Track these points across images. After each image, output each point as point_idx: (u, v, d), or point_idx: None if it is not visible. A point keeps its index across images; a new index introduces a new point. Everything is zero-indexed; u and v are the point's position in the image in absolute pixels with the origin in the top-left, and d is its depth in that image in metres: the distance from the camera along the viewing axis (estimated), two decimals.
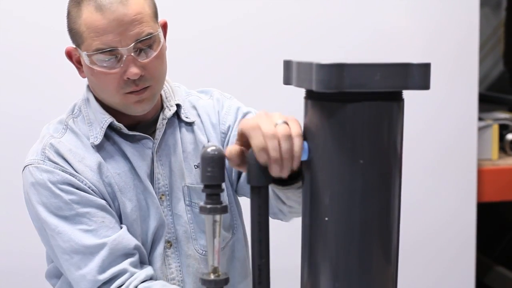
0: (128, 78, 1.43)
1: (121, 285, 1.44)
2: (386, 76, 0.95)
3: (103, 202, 1.48)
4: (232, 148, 1.05)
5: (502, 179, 2.94)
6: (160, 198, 1.55)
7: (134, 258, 1.48)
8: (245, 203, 1.65)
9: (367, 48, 2.68)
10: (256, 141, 1.01)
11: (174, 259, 1.57)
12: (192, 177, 1.58)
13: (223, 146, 1.61)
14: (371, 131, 0.97)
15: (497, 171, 2.93)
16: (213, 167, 1.02)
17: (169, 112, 1.56)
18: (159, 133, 1.54)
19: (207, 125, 1.61)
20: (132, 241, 1.48)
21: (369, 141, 0.97)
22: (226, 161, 1.05)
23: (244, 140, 1.05)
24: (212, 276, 1.05)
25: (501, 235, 3.53)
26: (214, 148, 1.02)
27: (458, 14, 2.77)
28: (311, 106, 1.02)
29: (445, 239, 2.87)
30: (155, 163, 1.53)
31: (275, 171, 1.02)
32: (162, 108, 1.57)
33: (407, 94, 1.01)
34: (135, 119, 1.54)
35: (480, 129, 2.91)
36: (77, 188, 1.46)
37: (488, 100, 3.40)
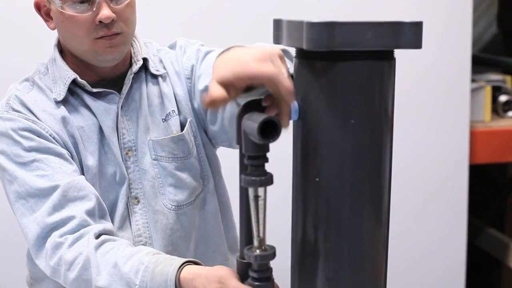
0: (100, 22, 1.43)
1: (73, 233, 1.38)
2: (378, 35, 0.94)
3: (63, 151, 1.47)
4: (218, 91, 0.99)
5: (495, 141, 2.93)
6: (127, 153, 1.55)
7: (90, 206, 1.42)
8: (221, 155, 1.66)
9: (358, 6, 2.65)
10: (288, 84, 0.98)
11: (141, 216, 1.56)
12: (159, 131, 1.57)
13: (189, 92, 1.59)
14: (362, 91, 0.96)
15: (489, 133, 2.92)
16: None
17: (135, 66, 1.56)
18: (125, 88, 1.54)
19: (172, 75, 1.60)
20: (88, 187, 1.45)
21: (360, 101, 0.97)
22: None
23: (237, 87, 1.00)
24: (257, 251, 1.02)
25: (492, 197, 3.54)
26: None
27: None
28: (302, 66, 1.00)
29: (437, 201, 2.88)
30: (119, 118, 1.53)
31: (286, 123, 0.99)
32: (131, 64, 1.57)
33: (399, 55, 1.00)
34: (103, 74, 1.54)
35: (473, 90, 2.90)
36: (38, 136, 1.47)
37: (481, 61, 3.38)
